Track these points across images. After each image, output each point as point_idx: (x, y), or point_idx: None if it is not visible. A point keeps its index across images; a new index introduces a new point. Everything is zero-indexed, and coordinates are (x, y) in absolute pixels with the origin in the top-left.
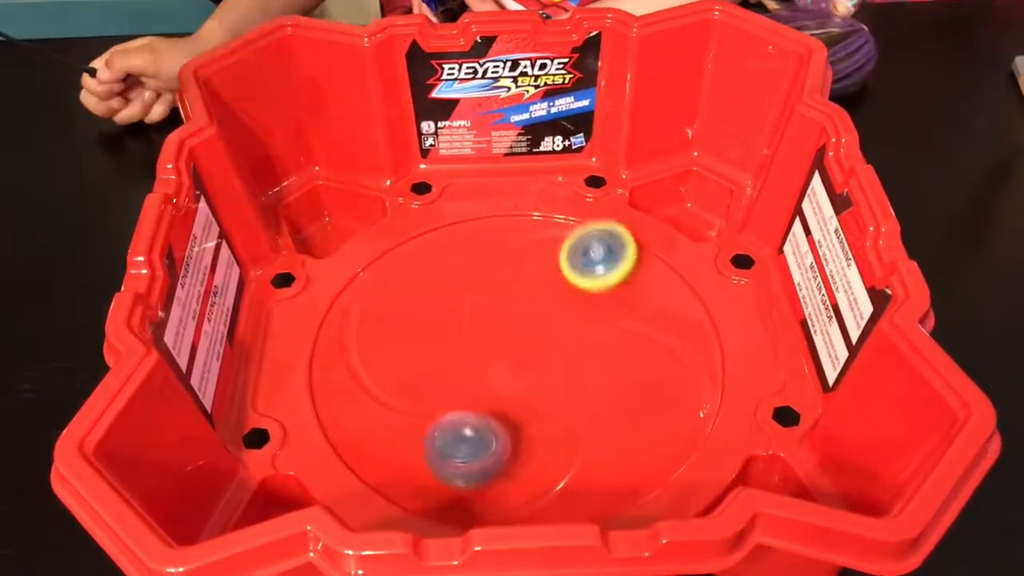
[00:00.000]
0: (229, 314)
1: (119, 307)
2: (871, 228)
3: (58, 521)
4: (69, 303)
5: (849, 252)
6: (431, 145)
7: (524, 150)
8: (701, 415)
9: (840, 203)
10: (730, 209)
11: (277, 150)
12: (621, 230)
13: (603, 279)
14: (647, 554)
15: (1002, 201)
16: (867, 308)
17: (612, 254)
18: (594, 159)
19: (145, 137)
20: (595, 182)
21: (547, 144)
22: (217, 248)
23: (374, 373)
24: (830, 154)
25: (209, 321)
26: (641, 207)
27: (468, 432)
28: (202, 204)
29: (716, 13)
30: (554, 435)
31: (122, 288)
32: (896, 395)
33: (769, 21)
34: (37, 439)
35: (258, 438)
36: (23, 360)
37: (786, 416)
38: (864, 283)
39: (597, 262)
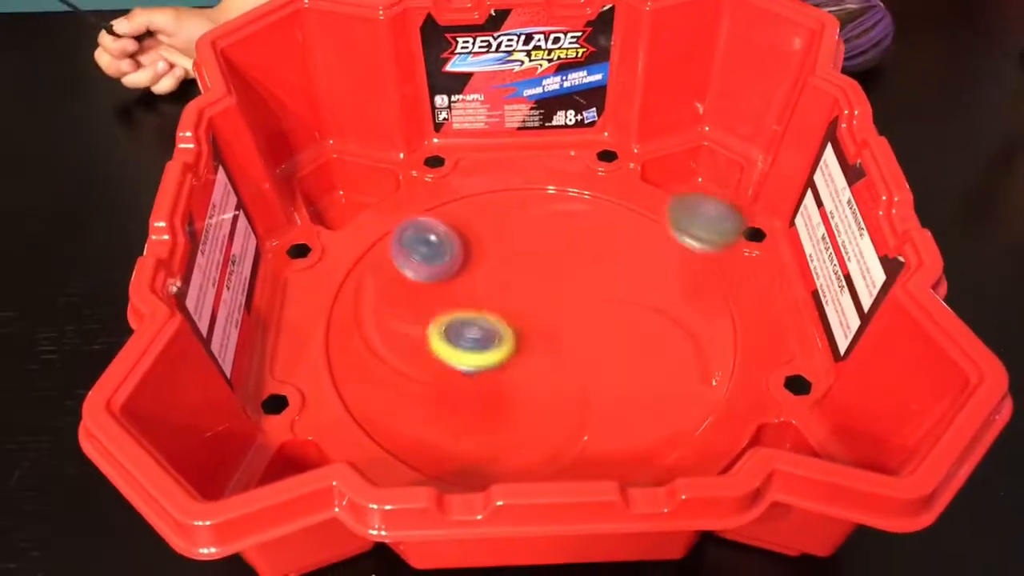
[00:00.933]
0: (246, 283)
1: (142, 271)
2: (884, 197)
3: (82, 479)
4: (81, 268)
5: (862, 222)
6: (444, 119)
7: (537, 124)
8: (714, 383)
9: (853, 174)
10: (741, 183)
11: (292, 123)
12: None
13: (466, 357)
14: (666, 510)
15: (1012, 180)
16: (880, 276)
17: (485, 342)
18: (606, 134)
19: (157, 109)
20: (607, 156)
21: (559, 118)
22: (235, 218)
23: (389, 342)
24: (843, 126)
25: (228, 289)
26: (653, 182)
27: (432, 237)
28: (220, 174)
29: None
30: (568, 402)
31: (144, 253)
32: (908, 361)
33: None
34: (60, 398)
35: (276, 404)
36: (40, 322)
37: (798, 385)
38: (877, 252)
39: (469, 340)
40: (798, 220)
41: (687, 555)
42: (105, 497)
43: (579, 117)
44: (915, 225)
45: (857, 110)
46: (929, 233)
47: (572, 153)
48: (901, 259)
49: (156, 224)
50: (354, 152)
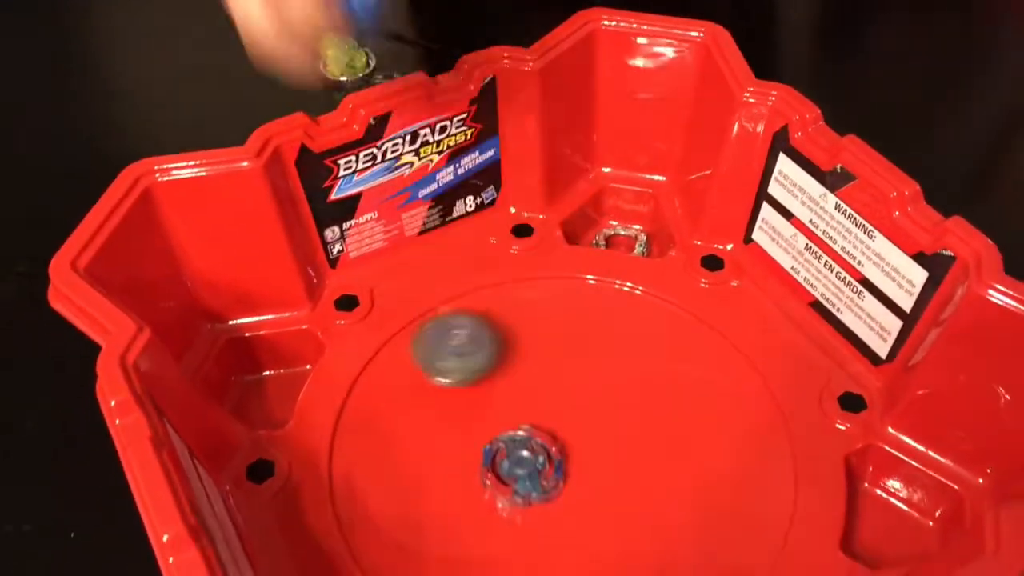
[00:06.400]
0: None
1: None
2: (893, 195)
3: None
4: None
5: (868, 225)
6: (339, 252)
7: (438, 222)
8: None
9: (835, 180)
10: (666, 215)
11: (182, 317)
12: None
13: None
14: None
15: (1012, 161)
16: (918, 275)
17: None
18: (513, 209)
19: None
20: (523, 231)
21: (460, 208)
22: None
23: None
24: (798, 134)
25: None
26: (578, 241)
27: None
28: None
29: (604, 22)
30: (609, 500)
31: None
32: (1010, 350)
33: (659, 18)
34: None
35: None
36: None
37: (851, 402)
38: (905, 251)
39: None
40: (757, 235)
41: None
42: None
43: (479, 200)
44: (939, 216)
45: (808, 114)
46: (961, 218)
47: (493, 240)
48: (948, 253)
49: (164, 539)
50: (256, 327)
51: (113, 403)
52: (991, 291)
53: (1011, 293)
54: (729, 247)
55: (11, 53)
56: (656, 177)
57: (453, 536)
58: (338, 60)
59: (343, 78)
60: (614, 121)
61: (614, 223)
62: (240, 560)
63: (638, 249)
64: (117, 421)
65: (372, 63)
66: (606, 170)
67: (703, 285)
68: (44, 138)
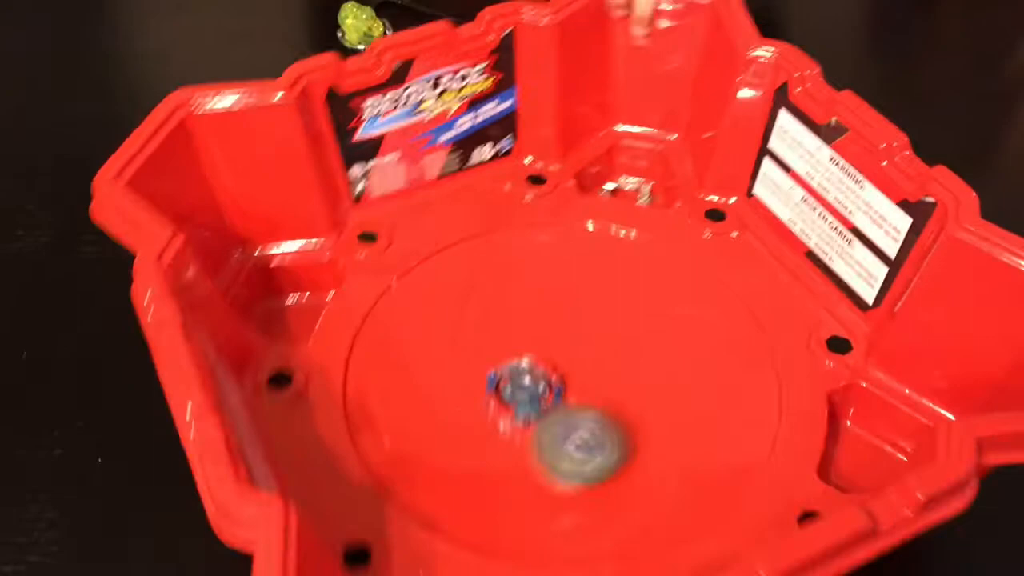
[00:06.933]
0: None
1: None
2: (883, 146)
3: None
4: None
5: (859, 175)
6: (362, 190)
7: (457, 167)
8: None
9: (830, 133)
10: (674, 170)
11: (213, 242)
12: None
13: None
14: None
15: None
16: (903, 221)
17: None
18: (529, 158)
19: None
20: (537, 180)
21: (477, 155)
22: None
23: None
24: (797, 90)
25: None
26: (592, 192)
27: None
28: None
29: None
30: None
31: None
32: (982, 291)
33: None
34: None
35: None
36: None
37: (838, 344)
38: (891, 199)
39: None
40: (758, 189)
41: None
42: None
43: (496, 148)
44: (924, 166)
45: (808, 71)
46: (944, 167)
47: (508, 187)
48: (930, 199)
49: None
50: (282, 257)
51: (147, 299)
52: (967, 233)
53: (985, 235)
54: (732, 201)
55: (51, 18)
56: (667, 135)
57: (455, 450)
58: (356, 28)
59: (361, 46)
60: (628, 79)
61: (625, 177)
62: (255, 446)
63: (643, 200)
64: (150, 317)
65: (389, 32)
66: (619, 128)
67: (706, 236)
68: (78, 93)
